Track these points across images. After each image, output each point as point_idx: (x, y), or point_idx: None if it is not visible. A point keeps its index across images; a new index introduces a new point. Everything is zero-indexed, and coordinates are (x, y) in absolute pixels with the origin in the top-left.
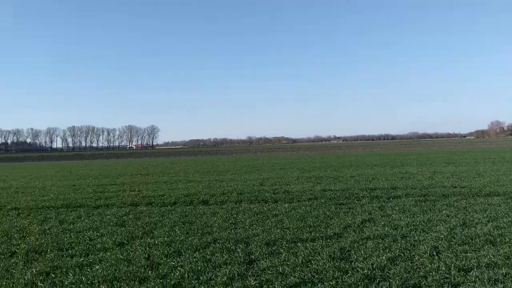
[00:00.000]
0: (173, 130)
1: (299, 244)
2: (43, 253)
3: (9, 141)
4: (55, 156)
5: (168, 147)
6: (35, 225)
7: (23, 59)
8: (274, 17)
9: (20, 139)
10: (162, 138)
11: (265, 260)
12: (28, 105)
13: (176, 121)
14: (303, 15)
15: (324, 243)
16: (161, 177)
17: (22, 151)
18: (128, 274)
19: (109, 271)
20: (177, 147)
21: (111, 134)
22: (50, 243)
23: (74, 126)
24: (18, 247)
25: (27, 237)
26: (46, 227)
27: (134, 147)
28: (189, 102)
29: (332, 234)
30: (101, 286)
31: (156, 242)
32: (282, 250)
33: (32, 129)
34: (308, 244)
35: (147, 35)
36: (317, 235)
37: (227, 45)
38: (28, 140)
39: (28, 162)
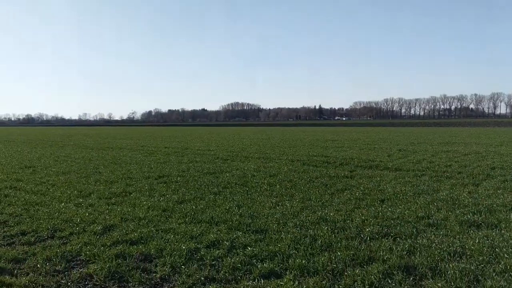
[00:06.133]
0: None
1: None
2: None
3: (452, 107)
4: (496, 122)
5: None
6: None
7: None
8: None
9: (464, 105)
10: None
11: None
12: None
13: None
14: None
15: None
16: None
17: (464, 117)
18: None
19: None
20: None
21: None
22: None
23: None
24: None
25: None
26: None
27: None
28: None
29: None
30: None
31: None
32: None
33: (475, 94)
34: None
35: None
36: None
37: None
38: (471, 106)
39: (470, 127)
